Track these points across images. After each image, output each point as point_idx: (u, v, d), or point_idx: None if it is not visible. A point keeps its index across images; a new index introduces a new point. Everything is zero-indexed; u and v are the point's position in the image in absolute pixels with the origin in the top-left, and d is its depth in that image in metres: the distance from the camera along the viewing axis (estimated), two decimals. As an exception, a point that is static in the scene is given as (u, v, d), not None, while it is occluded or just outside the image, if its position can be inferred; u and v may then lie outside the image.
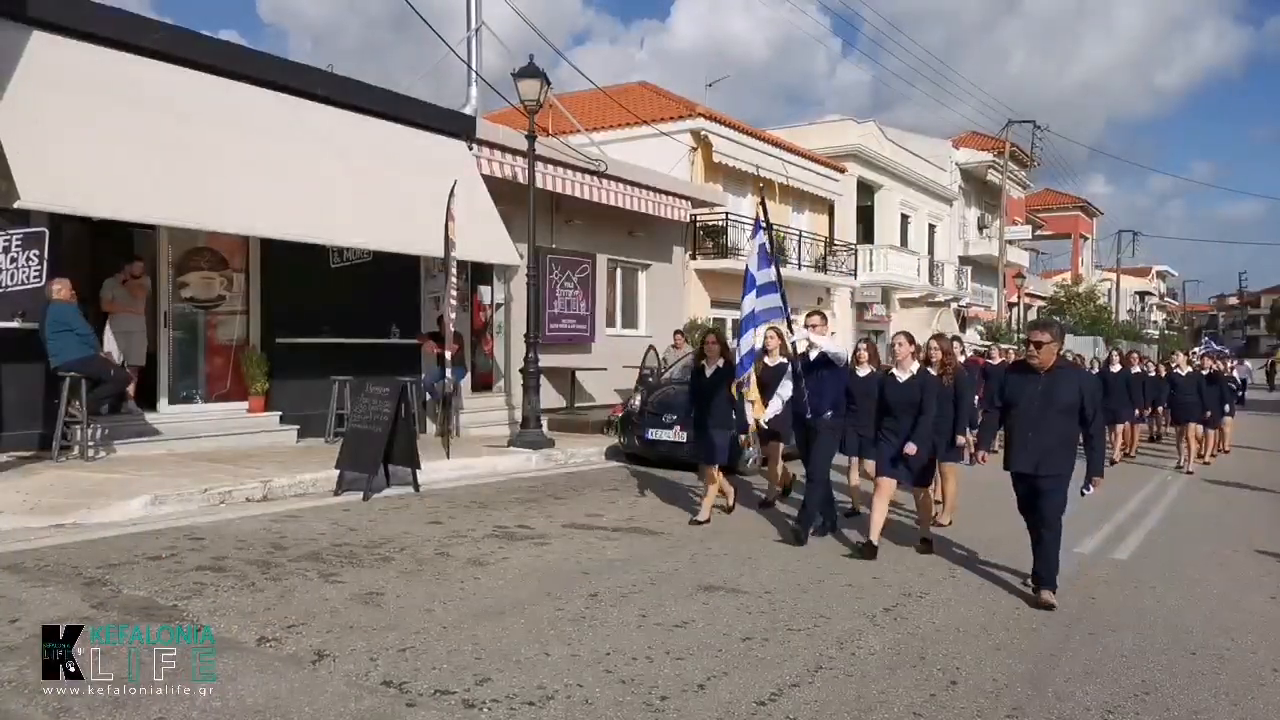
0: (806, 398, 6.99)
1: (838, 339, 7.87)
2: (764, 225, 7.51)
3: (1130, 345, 28.66)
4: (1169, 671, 4.40)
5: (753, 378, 7.26)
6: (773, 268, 7.28)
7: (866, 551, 6.42)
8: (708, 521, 7.45)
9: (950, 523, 7.79)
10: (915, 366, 6.66)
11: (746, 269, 7.48)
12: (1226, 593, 5.95)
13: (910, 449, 6.38)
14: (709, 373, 7.71)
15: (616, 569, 5.94)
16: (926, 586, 5.78)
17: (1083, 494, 5.50)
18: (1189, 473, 12.22)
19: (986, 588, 5.86)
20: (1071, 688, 4.14)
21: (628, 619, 4.88)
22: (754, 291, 7.24)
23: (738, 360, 7.24)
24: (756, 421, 7.45)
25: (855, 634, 4.78)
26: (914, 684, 4.11)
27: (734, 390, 7.27)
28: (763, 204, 7.97)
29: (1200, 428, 12.98)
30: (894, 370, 6.68)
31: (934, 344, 7.82)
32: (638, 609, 5.07)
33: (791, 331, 7.35)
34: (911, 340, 6.79)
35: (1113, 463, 12.00)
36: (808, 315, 7.35)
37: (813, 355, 7.07)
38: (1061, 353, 5.65)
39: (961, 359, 10.18)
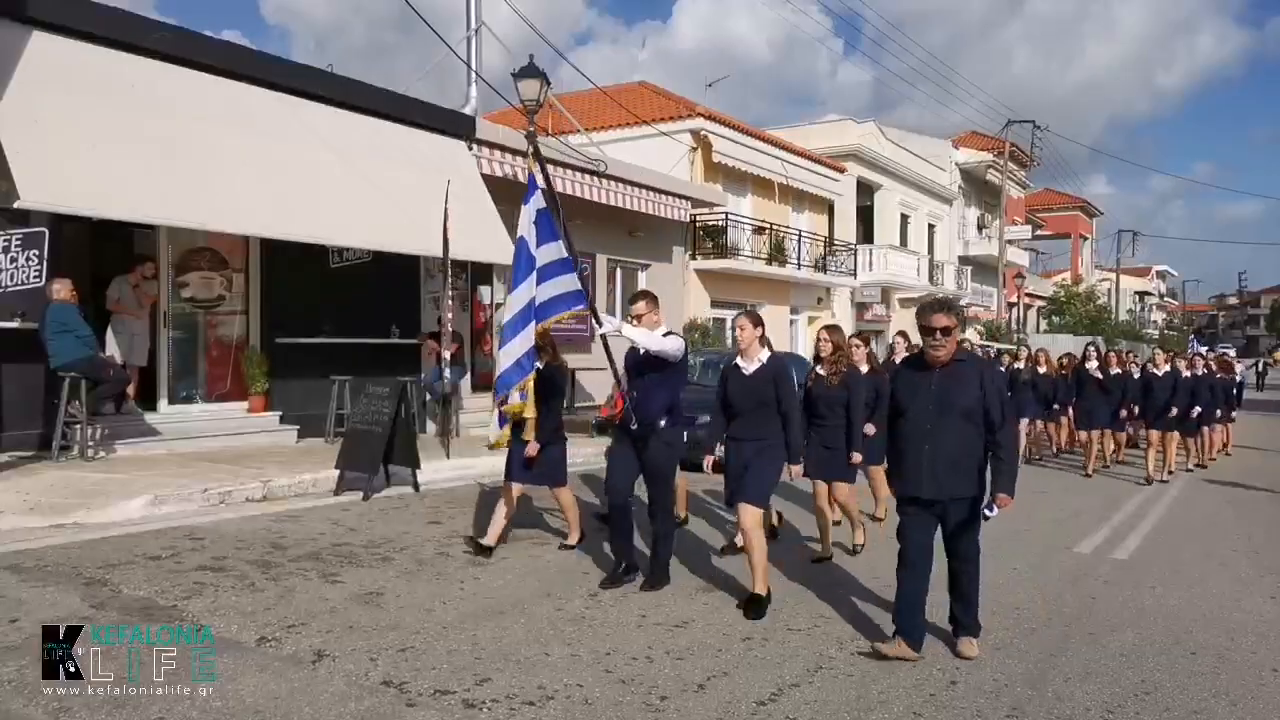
0: (631, 404, 5.61)
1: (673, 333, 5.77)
2: (540, 185, 5.79)
3: (1129, 345, 28.60)
4: (1169, 671, 4.40)
5: (530, 387, 5.80)
6: (561, 241, 5.73)
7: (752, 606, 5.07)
8: (490, 551, 6.16)
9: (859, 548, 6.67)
10: (766, 355, 5.35)
11: (519, 244, 5.75)
12: (1226, 593, 5.95)
13: (796, 470, 5.31)
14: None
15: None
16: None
17: (986, 516, 4.52)
18: (1189, 470, 12.20)
19: (986, 588, 5.81)
20: (1071, 688, 4.14)
21: (628, 619, 4.89)
22: (532, 276, 5.66)
23: (500, 370, 5.79)
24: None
25: (855, 634, 4.78)
26: (914, 684, 4.11)
27: (499, 405, 5.85)
28: (536, 152, 6.04)
29: (1177, 434, 11.71)
30: (738, 361, 5.44)
31: (823, 335, 6.52)
32: (638, 609, 5.07)
33: (599, 322, 5.74)
34: (757, 323, 5.38)
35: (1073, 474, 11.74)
36: (631, 300, 5.84)
37: (642, 351, 5.64)
38: (962, 341, 4.54)
39: (903, 354, 8.40)
